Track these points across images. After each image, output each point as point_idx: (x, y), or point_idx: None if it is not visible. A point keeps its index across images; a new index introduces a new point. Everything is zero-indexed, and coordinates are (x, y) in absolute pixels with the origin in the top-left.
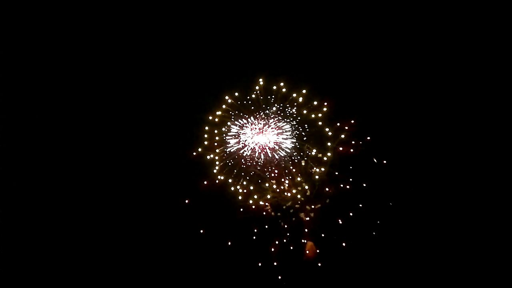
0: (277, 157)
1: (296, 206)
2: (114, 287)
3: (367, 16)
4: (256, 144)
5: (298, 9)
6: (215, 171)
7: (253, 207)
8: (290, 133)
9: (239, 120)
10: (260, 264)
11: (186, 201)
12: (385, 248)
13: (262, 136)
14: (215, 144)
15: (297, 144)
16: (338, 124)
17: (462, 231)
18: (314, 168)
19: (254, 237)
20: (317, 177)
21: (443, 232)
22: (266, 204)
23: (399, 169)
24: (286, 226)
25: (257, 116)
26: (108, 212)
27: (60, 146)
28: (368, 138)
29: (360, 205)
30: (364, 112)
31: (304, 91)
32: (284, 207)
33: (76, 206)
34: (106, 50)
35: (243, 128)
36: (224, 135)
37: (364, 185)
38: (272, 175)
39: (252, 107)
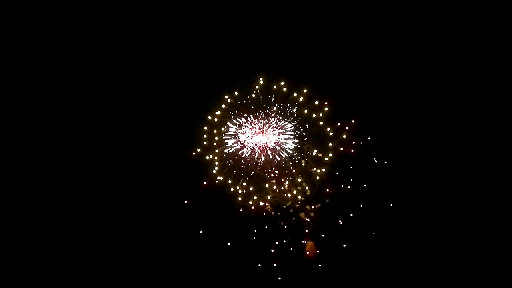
0: (277, 157)
1: (296, 205)
2: (114, 287)
3: (369, 16)
4: (256, 144)
5: (299, 8)
6: (214, 171)
7: (253, 208)
8: (291, 133)
9: (239, 120)
10: (260, 265)
11: (186, 202)
12: (385, 248)
13: (262, 136)
14: (215, 144)
15: (297, 144)
16: (339, 124)
17: (463, 231)
18: (314, 168)
19: (254, 238)
20: (317, 177)
21: (443, 233)
22: (266, 204)
23: (400, 169)
24: (286, 226)
25: (257, 116)
26: (107, 212)
27: (59, 146)
28: (369, 138)
29: (361, 206)
30: (364, 112)
31: (305, 90)
32: (284, 206)
33: (75, 206)
34: (106, 50)
35: (243, 128)
36: (223, 135)
37: (365, 185)
38: (272, 175)
39: (252, 107)
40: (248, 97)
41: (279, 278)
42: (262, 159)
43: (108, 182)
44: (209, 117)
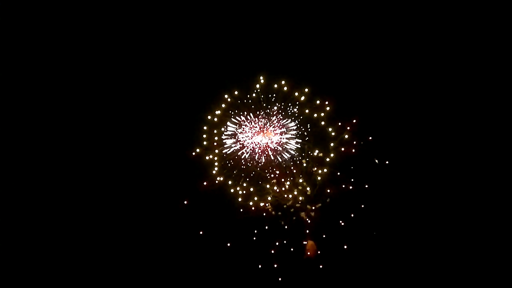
0: (278, 157)
1: (297, 205)
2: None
3: (370, 16)
4: (256, 144)
5: (300, 8)
6: (214, 171)
7: (253, 208)
8: (293, 133)
9: (239, 120)
10: (260, 266)
11: (185, 202)
12: (386, 248)
13: (262, 136)
14: (215, 144)
15: (299, 144)
16: (340, 123)
17: (464, 231)
18: (315, 168)
19: (254, 238)
20: (318, 177)
21: (444, 233)
22: (267, 204)
23: (401, 170)
24: (286, 226)
25: (258, 115)
26: (107, 213)
27: (59, 146)
28: (370, 138)
29: (362, 206)
30: (365, 112)
31: (306, 89)
32: (284, 206)
33: (74, 206)
34: (105, 50)
35: (243, 127)
36: (223, 135)
37: (366, 185)
38: (273, 175)
39: (253, 106)
40: (248, 96)
41: (279, 279)
42: (263, 159)
43: (108, 182)
44: (209, 117)
